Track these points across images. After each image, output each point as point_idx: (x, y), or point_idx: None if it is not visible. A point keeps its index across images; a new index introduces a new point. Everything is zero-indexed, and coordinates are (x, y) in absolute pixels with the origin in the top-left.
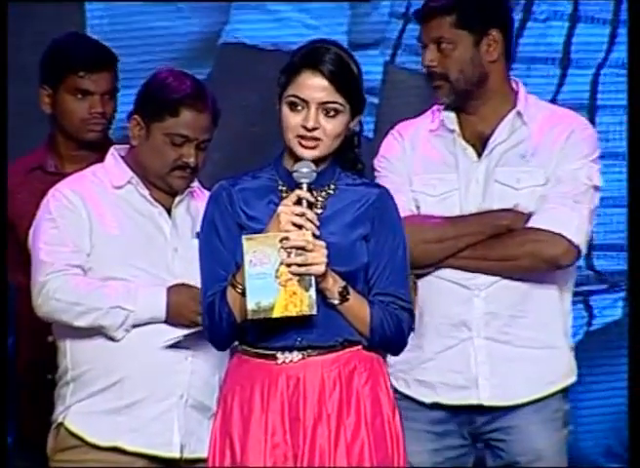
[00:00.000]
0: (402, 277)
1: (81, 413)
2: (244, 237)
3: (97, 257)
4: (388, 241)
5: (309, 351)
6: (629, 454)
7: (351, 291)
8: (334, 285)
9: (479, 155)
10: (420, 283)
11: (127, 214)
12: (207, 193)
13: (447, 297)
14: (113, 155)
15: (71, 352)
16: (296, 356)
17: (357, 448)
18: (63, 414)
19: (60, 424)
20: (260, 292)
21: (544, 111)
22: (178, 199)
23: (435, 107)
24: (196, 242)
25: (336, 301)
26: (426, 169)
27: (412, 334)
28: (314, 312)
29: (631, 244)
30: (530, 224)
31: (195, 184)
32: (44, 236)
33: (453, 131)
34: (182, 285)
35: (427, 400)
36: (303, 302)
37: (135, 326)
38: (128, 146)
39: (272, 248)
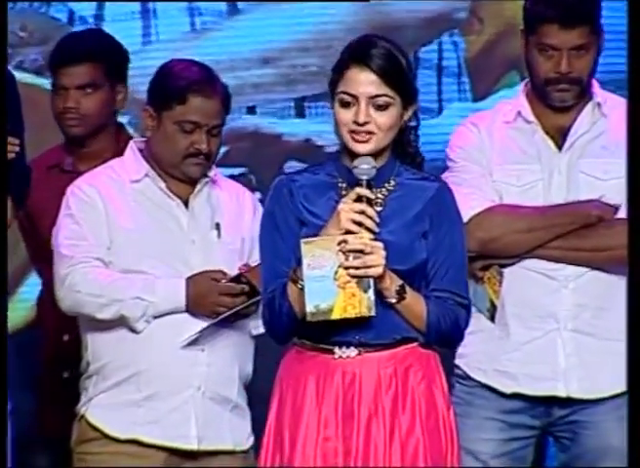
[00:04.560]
0: (460, 273)
1: (100, 406)
2: (302, 241)
3: (116, 251)
4: (447, 237)
5: (366, 347)
6: (629, 454)
7: (408, 289)
8: (391, 284)
9: (559, 146)
10: (506, 273)
11: (144, 208)
12: (228, 182)
13: (534, 288)
14: (132, 148)
15: (92, 345)
16: (352, 352)
17: (412, 445)
18: (85, 407)
19: (82, 416)
20: (319, 294)
21: (621, 105)
22: (196, 189)
23: (503, 101)
24: (214, 233)
25: (393, 300)
26: (507, 159)
27: (492, 325)
28: (373, 314)
29: (631, 242)
30: (622, 216)
31: (214, 172)
32: (64, 231)
33: (531, 122)
34: (202, 274)
35: (508, 390)
36: (362, 304)
37: (156, 317)
38: (145, 139)
39: (330, 251)
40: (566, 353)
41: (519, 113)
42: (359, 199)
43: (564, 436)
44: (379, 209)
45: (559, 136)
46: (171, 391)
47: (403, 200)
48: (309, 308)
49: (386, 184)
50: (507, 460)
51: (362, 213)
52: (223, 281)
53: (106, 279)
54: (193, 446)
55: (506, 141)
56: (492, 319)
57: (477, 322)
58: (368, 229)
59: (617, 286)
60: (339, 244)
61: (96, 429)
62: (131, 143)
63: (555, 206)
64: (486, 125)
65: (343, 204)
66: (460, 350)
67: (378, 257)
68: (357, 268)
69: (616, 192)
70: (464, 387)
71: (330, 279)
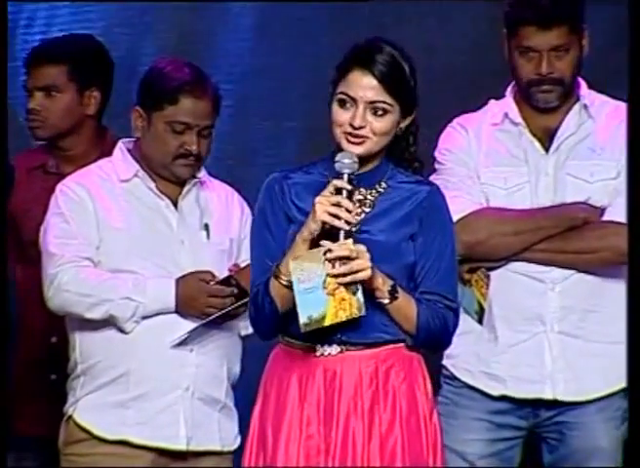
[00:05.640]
0: (450, 276)
1: (89, 407)
2: (290, 260)
3: (105, 251)
4: (436, 240)
5: (348, 346)
6: (629, 454)
7: (400, 289)
8: (383, 284)
9: (546, 148)
10: (493, 276)
11: (134, 208)
12: (216, 183)
13: (520, 291)
14: (120, 149)
15: (80, 345)
16: (334, 349)
17: (390, 443)
18: (73, 407)
19: (70, 417)
20: (311, 305)
21: (608, 106)
22: (185, 190)
23: (492, 102)
24: (203, 233)
25: (386, 300)
26: (494, 162)
27: (480, 327)
28: (363, 313)
29: (631, 242)
30: (608, 217)
31: (203, 174)
32: (53, 230)
33: (518, 124)
34: (192, 275)
35: (495, 392)
36: (352, 306)
37: (145, 317)
38: (134, 139)
39: (317, 262)
40: (552, 355)
41: (506, 115)
42: (338, 192)
43: (551, 437)
44: (368, 209)
45: (546, 138)
46: (159, 392)
47: (393, 201)
48: (302, 320)
49: (377, 186)
50: (495, 461)
51: (338, 205)
52: (212, 283)
53: (96, 278)
54: (182, 446)
55: (494, 144)
56: (480, 321)
57: (465, 323)
58: (347, 222)
59: (603, 288)
60: (324, 254)
61: (84, 430)
62: (119, 143)
63: (541, 209)
64: (474, 127)
65: (320, 196)
66: (447, 351)
67: (364, 261)
68: (345, 275)
69: (601, 194)
70: (452, 388)
71: (319, 289)
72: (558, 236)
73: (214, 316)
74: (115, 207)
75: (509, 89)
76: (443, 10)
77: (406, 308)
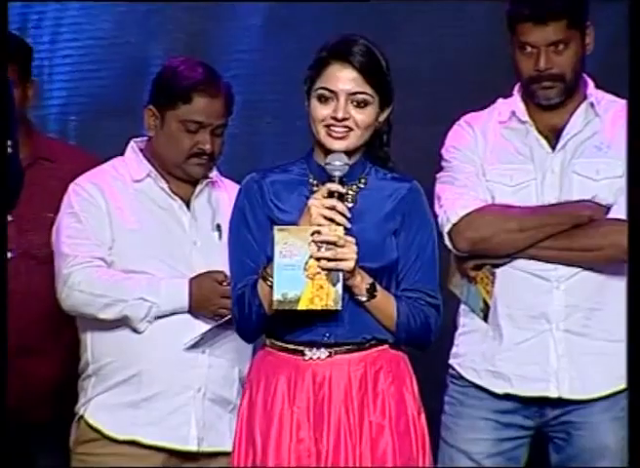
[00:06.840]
0: (431, 272)
1: (100, 407)
2: (276, 228)
3: (118, 251)
4: (418, 236)
5: (336, 349)
6: (629, 454)
7: (379, 287)
8: (362, 282)
9: (552, 147)
10: (498, 273)
11: (146, 208)
12: (228, 183)
13: (526, 289)
14: (132, 148)
15: (92, 345)
16: (323, 353)
17: (381, 447)
18: (84, 407)
19: (81, 417)
20: (288, 283)
21: (615, 104)
22: (197, 190)
23: (500, 101)
24: (215, 234)
25: (363, 298)
26: (500, 159)
27: (485, 325)
28: (339, 307)
29: (631, 244)
30: (613, 215)
31: (215, 174)
32: (66, 230)
33: (525, 122)
34: (205, 275)
35: (500, 391)
36: (329, 297)
37: (158, 317)
38: (146, 139)
39: (303, 240)
40: (558, 354)
41: (513, 113)
42: (330, 195)
43: (558, 436)
44: (349, 204)
45: (553, 136)
46: (171, 392)
47: (374, 198)
48: (277, 296)
49: (357, 182)
50: (501, 460)
51: (333, 208)
52: (225, 283)
53: (110, 279)
54: (193, 447)
55: (500, 141)
56: (485, 319)
57: (470, 322)
58: (339, 225)
59: (608, 286)
60: (312, 234)
61: (95, 430)
62: (131, 143)
63: (547, 206)
64: (481, 125)
65: (314, 199)
66: (453, 350)
67: (350, 251)
68: (329, 260)
69: (608, 192)
70: (458, 387)
71: (300, 269)
72: (563, 233)
73: (227, 317)
74: (128, 207)
75: (517, 87)
76: (445, 9)
77: (385, 306)
